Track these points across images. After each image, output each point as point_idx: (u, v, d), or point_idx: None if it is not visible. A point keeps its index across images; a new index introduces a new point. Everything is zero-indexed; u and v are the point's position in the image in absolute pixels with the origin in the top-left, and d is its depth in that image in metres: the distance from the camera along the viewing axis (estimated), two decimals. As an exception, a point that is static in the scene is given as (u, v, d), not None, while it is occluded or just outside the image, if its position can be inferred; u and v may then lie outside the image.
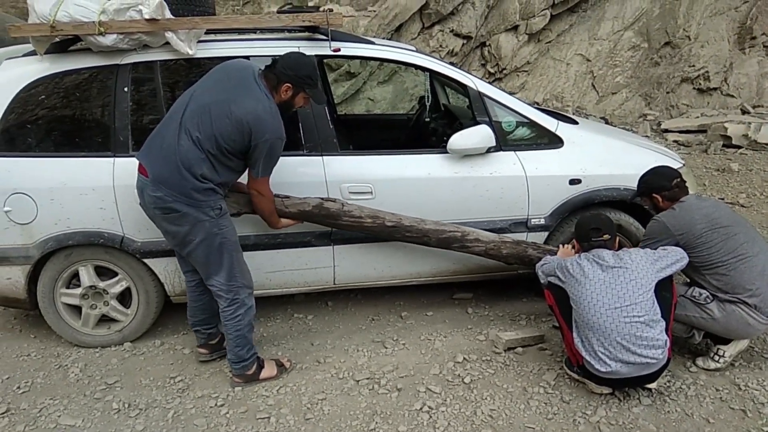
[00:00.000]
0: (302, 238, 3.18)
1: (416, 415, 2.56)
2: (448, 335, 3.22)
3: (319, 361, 3.03)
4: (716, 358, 2.79)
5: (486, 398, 2.65)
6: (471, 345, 3.10)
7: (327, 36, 3.10)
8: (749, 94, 9.03)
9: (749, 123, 7.05)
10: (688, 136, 7.67)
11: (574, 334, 2.58)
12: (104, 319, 3.26)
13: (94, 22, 2.72)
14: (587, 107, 8.90)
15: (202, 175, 2.51)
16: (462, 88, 3.31)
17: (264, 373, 2.85)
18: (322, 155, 3.13)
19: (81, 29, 2.76)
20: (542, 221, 3.33)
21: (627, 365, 2.44)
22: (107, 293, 3.16)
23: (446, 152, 3.22)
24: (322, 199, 3.00)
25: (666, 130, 8.02)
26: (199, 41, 3.05)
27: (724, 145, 6.77)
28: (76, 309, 3.19)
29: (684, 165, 3.50)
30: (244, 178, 2.73)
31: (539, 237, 3.36)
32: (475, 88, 3.27)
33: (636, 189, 3.02)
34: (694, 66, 8.89)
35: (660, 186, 2.87)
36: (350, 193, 3.13)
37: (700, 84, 8.94)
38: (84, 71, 3.00)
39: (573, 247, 2.92)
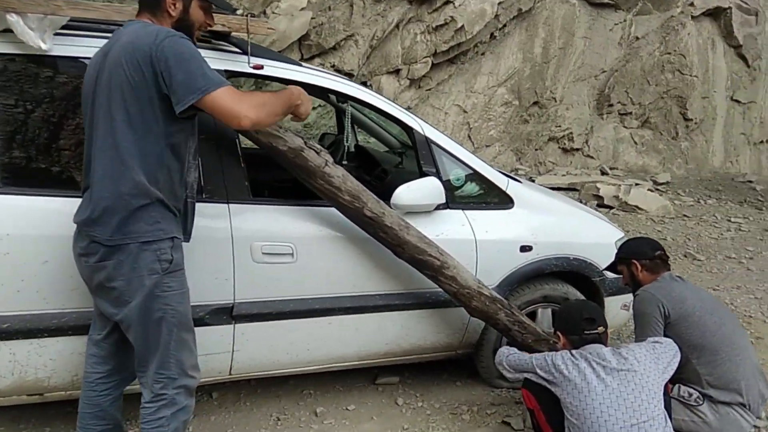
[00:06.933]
0: (193, 314, 2.33)
1: None
2: (383, 440, 2.53)
3: (215, 491, 2.17)
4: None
5: None
6: (414, 454, 2.44)
7: (242, 48, 2.38)
8: (606, 157, 9.65)
9: (619, 185, 7.38)
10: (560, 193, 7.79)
11: (574, 455, 2.03)
12: None
13: None
14: (463, 157, 8.91)
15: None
16: (406, 131, 2.73)
17: None
18: (228, 203, 2.36)
19: None
20: (489, 294, 2.82)
21: (641, 494, 1.95)
22: None
23: (385, 207, 2.61)
24: (305, 143, 2.28)
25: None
26: (57, 33, 2.15)
27: (598, 205, 7.00)
28: None
29: (624, 236, 3.23)
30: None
31: (485, 312, 2.85)
32: (422, 132, 2.71)
33: (615, 255, 2.68)
34: (560, 126, 9.32)
35: (642, 252, 2.57)
36: (264, 253, 2.38)
37: (564, 144, 9.38)
38: None
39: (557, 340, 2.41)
